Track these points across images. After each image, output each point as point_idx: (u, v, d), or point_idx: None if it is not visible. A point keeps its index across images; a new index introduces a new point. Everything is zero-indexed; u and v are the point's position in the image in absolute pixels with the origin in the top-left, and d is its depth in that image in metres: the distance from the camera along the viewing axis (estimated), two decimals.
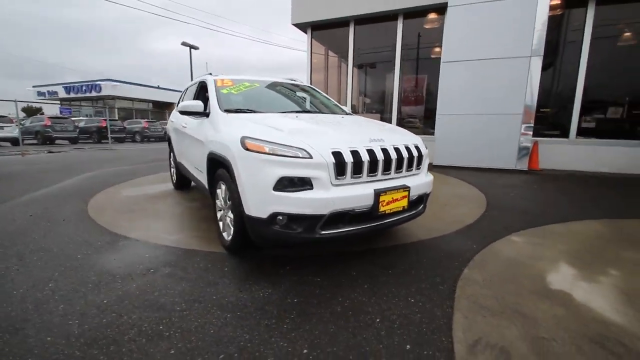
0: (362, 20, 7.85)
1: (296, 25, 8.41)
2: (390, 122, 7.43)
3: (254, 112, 2.85)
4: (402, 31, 7.48)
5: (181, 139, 3.67)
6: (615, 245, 2.69)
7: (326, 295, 1.89)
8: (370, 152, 2.07)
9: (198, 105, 2.86)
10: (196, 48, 20.19)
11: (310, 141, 2.00)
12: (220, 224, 2.63)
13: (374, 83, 8.42)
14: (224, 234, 2.55)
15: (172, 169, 4.73)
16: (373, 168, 2.09)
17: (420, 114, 7.69)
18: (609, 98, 6.34)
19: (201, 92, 3.66)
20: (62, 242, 2.67)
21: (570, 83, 6.32)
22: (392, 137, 2.34)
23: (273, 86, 3.56)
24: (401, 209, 2.19)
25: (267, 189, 1.93)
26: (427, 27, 7.41)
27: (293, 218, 1.94)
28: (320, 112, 3.30)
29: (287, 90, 3.61)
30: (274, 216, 1.94)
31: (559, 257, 2.45)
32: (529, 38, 5.79)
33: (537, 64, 5.83)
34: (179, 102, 4.58)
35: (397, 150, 2.21)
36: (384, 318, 1.67)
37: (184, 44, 19.69)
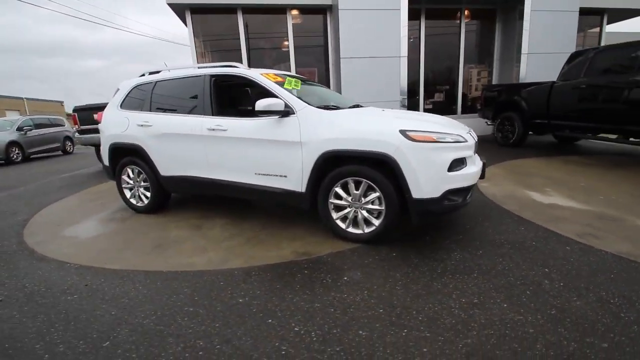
0: (250, 10, 7.70)
1: (172, 5, 7.23)
2: None
3: (338, 107, 2.91)
4: (293, 25, 7.94)
5: (208, 145, 3.00)
6: (520, 176, 4.52)
7: (479, 251, 2.53)
8: (470, 135, 2.77)
9: (280, 104, 2.60)
10: None
11: (451, 129, 2.49)
12: (339, 222, 2.65)
13: None
14: (351, 229, 2.63)
15: (133, 190, 3.63)
16: None
17: None
18: (435, 87, 9.24)
19: (217, 87, 3.12)
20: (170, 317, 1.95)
21: (417, 77, 8.76)
22: None
23: (303, 80, 3.49)
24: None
25: (443, 171, 2.32)
26: (314, 23, 8.17)
27: (458, 191, 2.41)
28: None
29: (313, 84, 3.62)
30: (446, 193, 2.35)
31: (515, 188, 3.95)
32: (398, 42, 7.63)
33: (404, 62, 7.78)
34: (122, 102, 3.57)
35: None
36: (526, 241, 2.51)
37: None
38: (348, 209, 2.62)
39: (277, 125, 2.71)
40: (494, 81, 9.09)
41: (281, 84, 2.87)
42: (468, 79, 9.20)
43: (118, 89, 3.72)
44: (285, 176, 2.75)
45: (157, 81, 3.41)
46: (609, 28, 9.48)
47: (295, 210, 3.45)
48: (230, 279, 2.17)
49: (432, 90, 9.21)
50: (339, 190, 2.59)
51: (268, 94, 2.81)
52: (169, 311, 1.84)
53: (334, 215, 2.67)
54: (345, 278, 2.12)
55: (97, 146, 6.92)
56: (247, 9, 7.66)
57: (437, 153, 2.32)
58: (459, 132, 2.45)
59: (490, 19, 8.80)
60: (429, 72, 8.90)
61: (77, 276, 2.31)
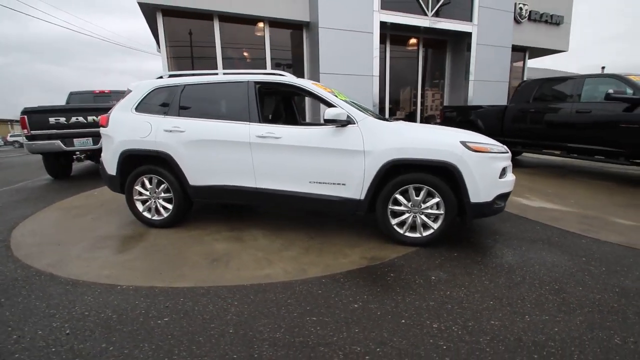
0: (227, 18, 7.52)
1: (142, 5, 6.68)
2: None
3: (386, 119, 3.07)
4: (270, 37, 7.95)
5: (256, 153, 2.88)
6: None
7: (522, 247, 2.92)
8: None
9: (344, 114, 2.68)
10: None
11: (493, 141, 2.85)
12: (395, 227, 2.78)
13: None
14: (408, 234, 2.79)
15: (148, 203, 3.26)
16: None
17: None
18: (398, 104, 10.05)
19: (261, 95, 3.05)
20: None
21: (383, 94, 9.44)
22: None
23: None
24: None
25: (495, 178, 2.65)
26: (291, 37, 8.30)
27: (503, 196, 2.76)
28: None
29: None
30: (495, 198, 2.68)
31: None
32: (371, 62, 8.18)
33: (376, 81, 8.35)
34: (138, 105, 3.28)
35: None
36: (550, 238, 2.97)
37: None
38: (407, 215, 2.77)
39: (337, 134, 2.77)
40: (445, 102, 10.25)
41: (331, 94, 2.95)
42: (424, 98, 10.22)
43: (129, 90, 3.35)
44: (343, 184, 2.80)
45: (186, 84, 3.18)
46: (530, 63, 11.53)
47: (332, 218, 3.48)
48: (324, 287, 2.14)
49: (395, 107, 9.99)
50: (398, 196, 2.74)
51: (324, 103, 2.87)
52: (292, 323, 1.76)
53: (392, 221, 2.80)
54: (433, 278, 2.26)
55: (47, 154, 5.96)
56: (224, 17, 7.48)
57: (491, 162, 2.64)
58: (501, 144, 2.82)
59: (442, 48, 9.99)
60: (393, 91, 9.67)
61: (145, 298, 2.02)
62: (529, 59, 11.29)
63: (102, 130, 3.37)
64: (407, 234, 2.80)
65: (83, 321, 1.80)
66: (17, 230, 3.35)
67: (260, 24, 7.86)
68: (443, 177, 2.66)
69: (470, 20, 9.01)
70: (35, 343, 1.62)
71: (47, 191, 5.21)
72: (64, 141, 5.58)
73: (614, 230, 3.11)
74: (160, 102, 3.21)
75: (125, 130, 3.20)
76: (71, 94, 7.36)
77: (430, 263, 2.48)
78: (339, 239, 2.98)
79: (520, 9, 10.01)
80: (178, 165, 3.07)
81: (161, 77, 3.36)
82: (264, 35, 7.93)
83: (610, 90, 4.98)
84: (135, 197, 3.29)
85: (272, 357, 1.50)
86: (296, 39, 8.38)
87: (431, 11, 8.54)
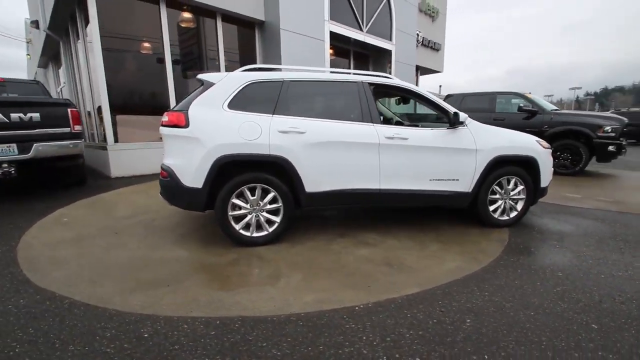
0: (176, 4, 6.42)
1: None
2: None
3: None
4: (223, 32, 7.22)
5: (384, 154, 2.83)
6: None
7: (585, 225, 3.89)
8: None
9: (465, 116, 3.01)
10: None
11: None
12: (492, 213, 3.30)
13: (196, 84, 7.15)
14: (499, 217, 3.34)
15: (248, 218, 2.72)
16: None
17: None
18: None
19: (378, 95, 3.04)
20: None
21: None
22: None
23: None
24: None
25: (551, 167, 3.50)
26: (244, 37, 7.73)
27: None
28: None
29: None
30: (549, 183, 3.54)
31: None
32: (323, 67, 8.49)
33: None
34: (231, 101, 2.81)
35: None
36: (591, 213, 4.09)
37: None
38: (500, 201, 3.32)
39: (452, 134, 3.07)
40: None
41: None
42: None
43: (210, 83, 2.70)
44: (457, 179, 3.12)
45: (290, 80, 2.81)
46: (421, 79, 14.21)
47: (411, 212, 3.70)
48: (515, 268, 2.43)
49: None
50: (495, 186, 3.26)
51: (435, 107, 3.12)
52: (555, 297, 2.00)
53: (490, 207, 3.29)
54: (557, 246, 2.86)
55: None
56: (172, 2, 6.40)
57: (550, 156, 3.47)
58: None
59: (366, 62, 11.21)
60: None
61: (404, 310, 1.84)
62: (420, 75, 13.91)
63: (174, 131, 2.60)
64: (500, 217, 3.34)
65: (398, 347, 1.55)
66: (49, 282, 2.20)
67: (212, 17, 7.06)
68: (525, 169, 3.33)
69: (391, 39, 10.50)
70: None
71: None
72: None
73: (577, 200, 4.49)
74: (261, 99, 2.74)
75: (222, 131, 2.59)
76: None
77: (536, 237, 3.09)
78: (447, 230, 3.26)
79: (417, 35, 12.26)
80: (296, 171, 2.71)
81: (246, 70, 2.86)
82: (217, 30, 7.16)
83: (521, 104, 6.94)
84: (231, 213, 2.68)
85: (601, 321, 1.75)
86: (247, 37, 7.89)
87: (366, 26, 9.53)
